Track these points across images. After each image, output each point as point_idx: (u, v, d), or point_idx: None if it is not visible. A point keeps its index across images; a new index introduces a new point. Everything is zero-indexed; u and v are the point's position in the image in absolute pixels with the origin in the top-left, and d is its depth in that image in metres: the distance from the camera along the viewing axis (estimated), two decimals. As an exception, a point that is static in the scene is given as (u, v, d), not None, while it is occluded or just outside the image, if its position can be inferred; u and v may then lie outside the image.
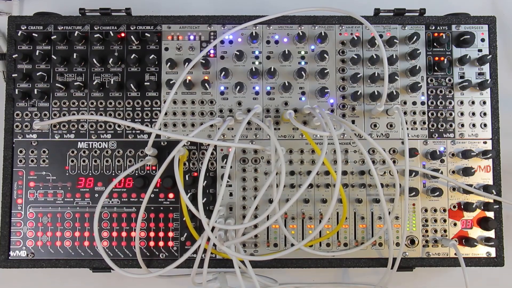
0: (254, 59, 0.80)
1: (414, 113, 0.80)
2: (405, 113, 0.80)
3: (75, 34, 0.77)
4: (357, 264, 0.78)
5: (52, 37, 0.78)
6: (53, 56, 0.78)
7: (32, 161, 0.78)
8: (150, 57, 0.78)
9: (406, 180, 0.74)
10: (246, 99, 0.79)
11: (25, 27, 0.79)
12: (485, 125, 0.79)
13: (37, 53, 0.77)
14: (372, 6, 0.82)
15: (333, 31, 0.80)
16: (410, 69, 0.79)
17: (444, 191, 0.78)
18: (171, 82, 0.78)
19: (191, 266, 0.74)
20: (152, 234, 0.78)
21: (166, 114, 0.79)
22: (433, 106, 0.80)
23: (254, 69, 0.77)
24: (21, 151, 0.78)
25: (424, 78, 0.80)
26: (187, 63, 0.78)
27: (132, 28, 0.80)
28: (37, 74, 0.77)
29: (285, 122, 0.79)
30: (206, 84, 0.78)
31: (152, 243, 0.78)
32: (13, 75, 0.78)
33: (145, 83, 0.78)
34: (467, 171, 0.77)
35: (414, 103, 0.80)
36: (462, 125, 0.79)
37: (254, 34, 0.78)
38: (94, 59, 0.78)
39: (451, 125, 0.79)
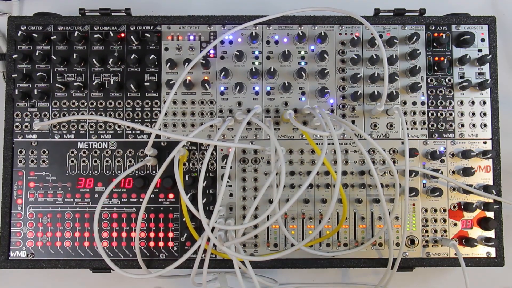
0: (254, 59, 0.80)
1: (414, 113, 0.80)
2: (405, 113, 0.80)
3: (75, 34, 0.77)
4: (357, 264, 0.78)
5: (52, 37, 0.78)
6: (53, 56, 0.78)
7: (32, 161, 0.78)
8: (150, 57, 0.78)
9: (406, 180, 0.74)
10: (246, 99, 0.79)
11: (25, 27, 0.79)
12: (485, 125, 0.79)
13: (37, 54, 0.77)
14: (372, 6, 0.82)
15: (333, 31, 0.80)
16: (410, 69, 0.79)
17: (444, 191, 0.78)
18: (171, 82, 0.78)
19: (191, 267, 0.74)
20: (152, 234, 0.78)
21: (166, 114, 0.79)
22: (433, 106, 0.80)
23: (254, 69, 0.77)
24: (21, 151, 0.78)
25: (424, 78, 0.80)
26: (187, 63, 0.78)
27: (132, 28, 0.80)
28: (37, 74, 0.77)
29: (285, 122, 0.79)
30: (206, 84, 0.78)
31: (152, 244, 0.78)
32: (13, 76, 0.78)
33: (145, 83, 0.78)
34: (467, 171, 0.77)
35: (414, 103, 0.80)
36: (462, 125, 0.79)
37: (254, 34, 0.78)
38: (94, 59, 0.78)
39: (451, 125, 0.79)
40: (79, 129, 0.79)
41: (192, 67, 0.72)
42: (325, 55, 0.78)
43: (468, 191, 0.77)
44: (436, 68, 0.80)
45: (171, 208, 0.78)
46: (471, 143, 0.80)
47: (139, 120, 0.79)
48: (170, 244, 0.78)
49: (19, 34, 0.78)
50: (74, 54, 0.78)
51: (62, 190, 0.78)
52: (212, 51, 0.80)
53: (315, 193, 0.79)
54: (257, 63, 0.80)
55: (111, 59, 0.78)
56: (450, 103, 0.80)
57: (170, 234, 0.78)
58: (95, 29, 0.80)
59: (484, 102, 0.80)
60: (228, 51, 0.80)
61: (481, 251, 0.79)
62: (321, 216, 0.78)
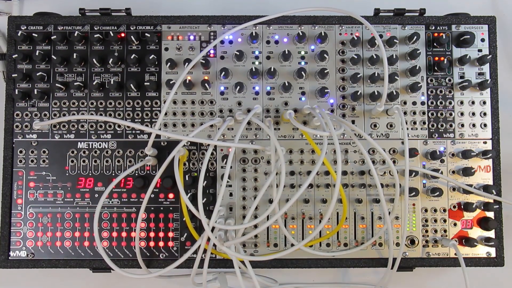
0: (254, 59, 0.80)
1: (414, 113, 0.80)
2: (405, 113, 0.80)
3: (75, 34, 0.77)
4: (357, 264, 0.78)
5: (52, 37, 0.78)
6: (53, 56, 0.78)
7: (32, 161, 0.78)
8: (150, 57, 0.78)
9: (406, 180, 0.74)
10: (246, 99, 0.79)
11: (25, 27, 0.79)
12: (485, 125, 0.79)
13: (37, 53, 0.77)
14: (372, 6, 0.82)
15: (333, 31, 0.80)
16: (410, 69, 0.79)
17: (444, 191, 0.78)
18: (171, 82, 0.78)
19: (191, 266, 0.74)
20: (152, 234, 0.78)
21: (166, 114, 0.79)
22: (433, 106, 0.80)
23: (254, 69, 0.77)
24: (21, 151, 0.78)
25: (424, 78, 0.80)
26: (187, 63, 0.78)
27: (132, 28, 0.80)
28: (37, 74, 0.77)
29: (285, 122, 0.79)
30: (206, 84, 0.78)
31: (152, 243, 0.78)
32: (13, 75, 0.78)
33: (145, 83, 0.78)
34: (467, 171, 0.77)
35: (414, 103, 0.80)
36: (462, 125, 0.79)
37: (254, 34, 0.78)
38: (94, 59, 0.78)
39: (451, 125, 0.79)
40: (79, 129, 0.79)
41: (192, 67, 0.72)
42: (325, 55, 0.78)
43: (468, 191, 0.77)
44: (436, 68, 0.80)
45: (171, 208, 0.78)
46: (471, 143, 0.80)
47: (139, 120, 0.79)
48: (170, 244, 0.78)
49: (19, 34, 0.78)
50: (74, 54, 0.78)
51: (62, 190, 0.78)
52: (212, 51, 0.80)
53: (315, 193, 0.79)
54: (257, 63, 0.80)
55: (111, 59, 0.78)
56: (450, 103, 0.80)
57: (170, 234, 0.78)
58: (95, 29, 0.80)
59: (484, 102, 0.80)
60: (228, 51, 0.80)
61: (481, 251, 0.79)
62: (321, 216, 0.78)
